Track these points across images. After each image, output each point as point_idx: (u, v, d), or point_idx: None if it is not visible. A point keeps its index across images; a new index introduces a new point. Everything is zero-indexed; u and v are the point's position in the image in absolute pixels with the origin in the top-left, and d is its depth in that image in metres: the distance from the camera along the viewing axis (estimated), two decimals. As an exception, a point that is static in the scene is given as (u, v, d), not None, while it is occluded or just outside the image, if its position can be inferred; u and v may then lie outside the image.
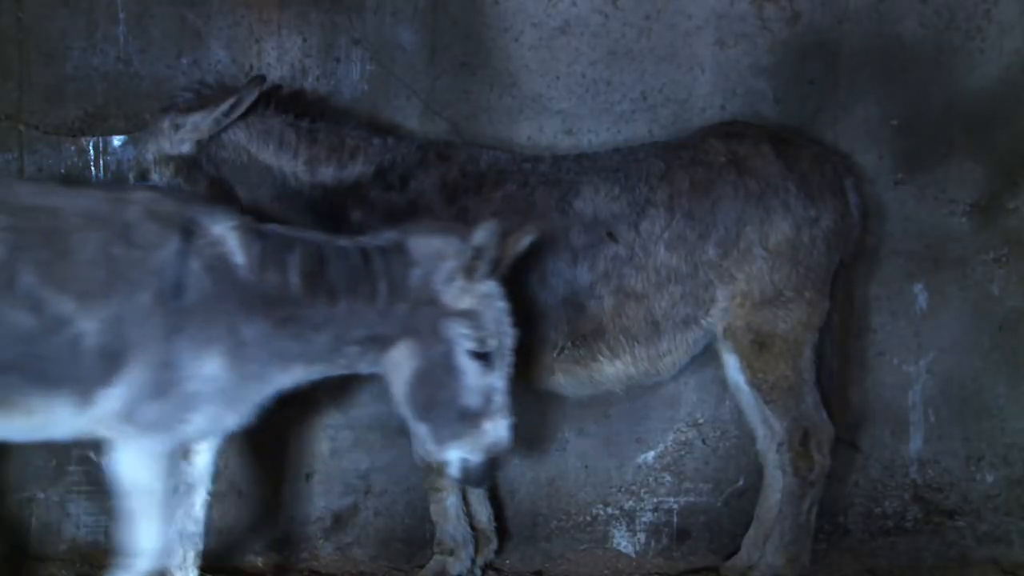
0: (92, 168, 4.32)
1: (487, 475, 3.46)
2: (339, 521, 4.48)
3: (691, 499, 4.47)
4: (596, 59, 4.35)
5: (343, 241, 3.41)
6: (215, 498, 4.41)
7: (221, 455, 3.86)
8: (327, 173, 4.00)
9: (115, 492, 3.33)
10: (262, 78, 3.97)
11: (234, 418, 3.36)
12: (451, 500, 4.15)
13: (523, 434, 4.44)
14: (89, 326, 3.12)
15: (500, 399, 3.36)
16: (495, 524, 4.36)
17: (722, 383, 4.21)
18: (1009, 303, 4.45)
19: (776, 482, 4.10)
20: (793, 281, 3.91)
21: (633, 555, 4.49)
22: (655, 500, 4.48)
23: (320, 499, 4.47)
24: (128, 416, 3.21)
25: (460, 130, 4.34)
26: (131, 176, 3.98)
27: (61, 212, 3.20)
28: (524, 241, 3.52)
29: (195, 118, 3.89)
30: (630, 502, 4.47)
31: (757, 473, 4.25)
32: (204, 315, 3.19)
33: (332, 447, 4.44)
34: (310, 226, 3.96)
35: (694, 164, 3.93)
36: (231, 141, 3.96)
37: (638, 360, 3.95)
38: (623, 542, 4.49)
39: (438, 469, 4.07)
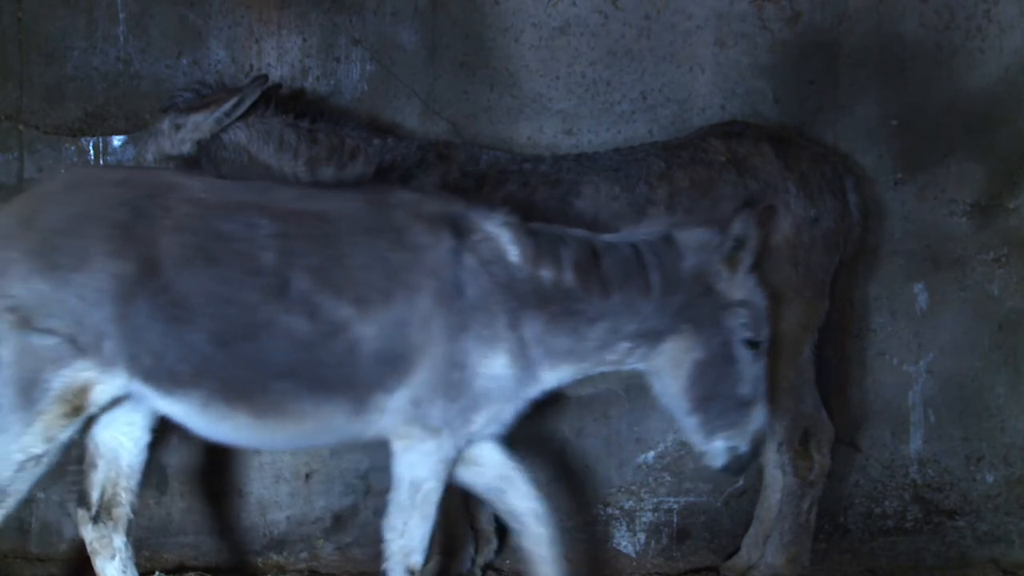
0: (92, 168, 4.33)
1: (750, 463, 3.47)
2: (339, 521, 4.48)
3: (691, 499, 4.47)
4: (596, 59, 4.36)
5: (608, 236, 3.40)
6: (215, 498, 4.43)
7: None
8: (327, 173, 4.00)
9: (393, 486, 3.33)
10: (264, 77, 3.97)
11: (507, 419, 3.33)
12: (451, 501, 4.14)
13: (524, 434, 4.47)
14: (367, 331, 3.10)
15: (763, 386, 3.38)
16: (495, 524, 4.35)
17: (722, 383, 4.21)
18: (1009, 303, 4.45)
19: (776, 482, 4.10)
20: (793, 281, 3.91)
21: (633, 555, 4.49)
22: (655, 500, 4.48)
23: (320, 499, 4.47)
24: (416, 418, 3.20)
25: (460, 130, 4.34)
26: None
27: (327, 217, 3.19)
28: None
29: (196, 118, 3.90)
30: (630, 502, 4.47)
31: (757, 473, 4.24)
32: (486, 313, 3.17)
33: (332, 447, 4.44)
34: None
35: (694, 164, 3.94)
36: (231, 141, 3.96)
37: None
38: (623, 542, 4.49)
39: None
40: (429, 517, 3.31)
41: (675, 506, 4.48)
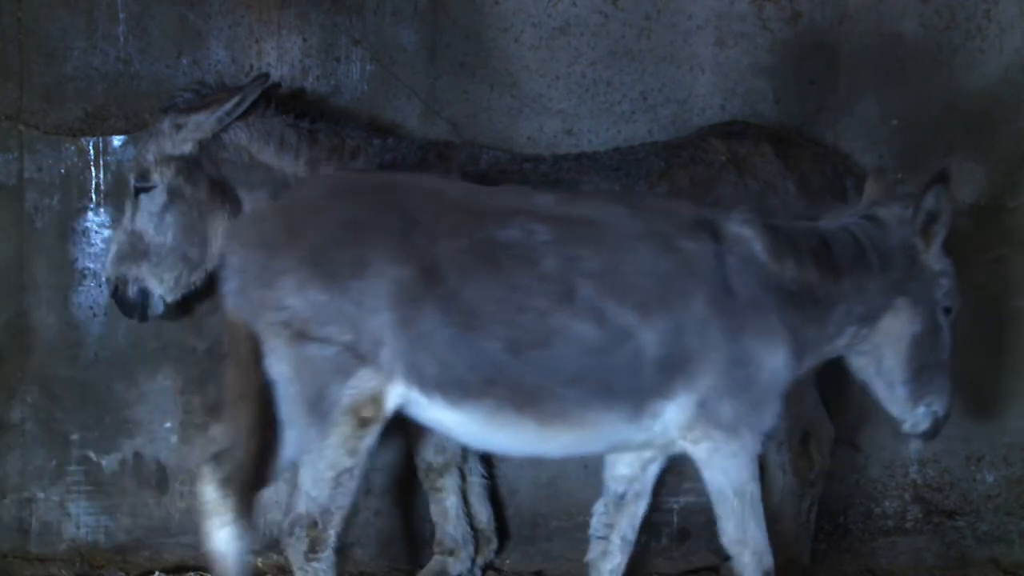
0: (92, 168, 4.33)
1: (943, 426, 3.55)
2: (339, 521, 4.47)
3: (691, 499, 4.47)
4: (596, 59, 4.36)
5: (823, 223, 3.42)
6: (215, 498, 4.43)
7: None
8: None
9: (716, 499, 3.29)
10: (265, 76, 3.97)
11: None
12: (451, 500, 4.14)
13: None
14: (649, 337, 3.09)
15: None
16: (495, 524, 4.35)
17: (722, 383, 4.21)
18: (1009, 303, 4.44)
19: (776, 482, 4.10)
20: (793, 281, 3.90)
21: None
22: (655, 500, 4.46)
23: (320, 499, 4.46)
24: (708, 421, 3.18)
25: (460, 130, 4.34)
26: (132, 177, 3.96)
27: (595, 223, 3.18)
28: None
29: (198, 117, 3.89)
30: (630, 502, 4.47)
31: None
32: (757, 310, 3.18)
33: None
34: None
35: (694, 163, 3.94)
36: (232, 141, 3.96)
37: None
38: (623, 542, 4.48)
39: (439, 469, 4.08)
40: (762, 517, 3.30)
41: (675, 506, 4.48)
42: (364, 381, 3.06)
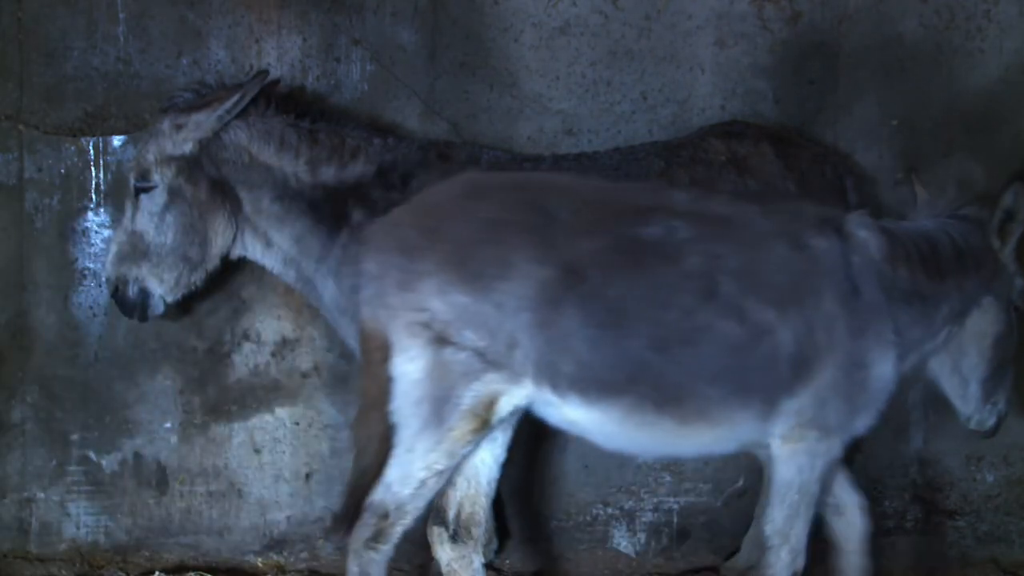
0: (92, 168, 4.33)
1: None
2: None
3: (691, 499, 4.47)
4: (596, 59, 4.36)
5: (921, 223, 3.45)
6: (214, 498, 4.44)
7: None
8: (328, 173, 4.00)
9: (777, 488, 3.29)
10: (265, 72, 3.97)
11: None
12: (451, 500, 4.14)
13: (524, 434, 4.47)
14: (785, 335, 3.09)
15: None
16: (495, 524, 4.35)
17: (722, 383, 4.21)
18: (1007, 302, 4.44)
19: (776, 482, 4.10)
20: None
21: (633, 555, 4.49)
22: (655, 500, 4.48)
23: (320, 499, 4.47)
24: (813, 420, 3.18)
25: (460, 130, 4.34)
26: (132, 177, 3.96)
27: (731, 221, 3.18)
28: None
29: (198, 117, 3.89)
30: (630, 502, 4.47)
31: (757, 473, 4.24)
32: (876, 313, 3.19)
33: (332, 447, 4.45)
34: (310, 227, 3.98)
35: (694, 163, 3.94)
36: (232, 141, 3.95)
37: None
38: (623, 542, 4.49)
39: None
40: (809, 518, 3.31)
41: (675, 506, 4.48)
42: (487, 385, 3.05)
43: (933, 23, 4.36)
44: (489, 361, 3.03)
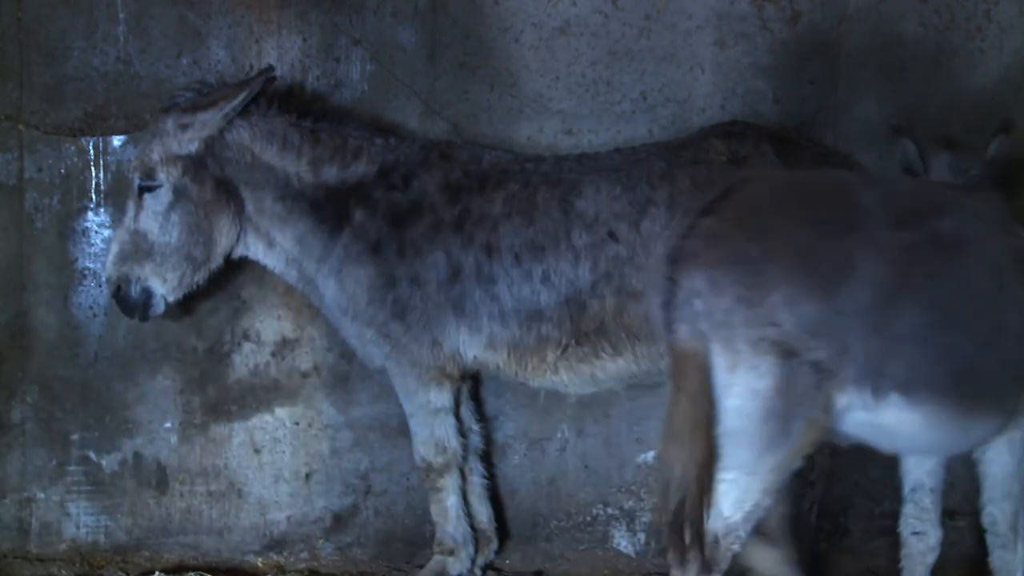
0: (92, 168, 4.33)
1: None
2: (339, 521, 4.48)
3: (691, 499, 4.47)
4: (596, 59, 4.36)
5: None
6: (214, 497, 4.44)
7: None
8: (330, 173, 4.00)
9: (1001, 481, 3.38)
10: (271, 69, 3.98)
11: None
12: (451, 500, 4.14)
13: (524, 433, 4.47)
14: None
15: None
16: (495, 524, 4.35)
17: (722, 383, 4.21)
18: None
19: (776, 482, 4.10)
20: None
21: (633, 555, 4.49)
22: (655, 500, 4.47)
23: (320, 499, 4.47)
24: None
25: (460, 130, 4.34)
26: (136, 176, 3.96)
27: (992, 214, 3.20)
28: None
29: (203, 116, 3.90)
30: (630, 502, 4.47)
31: (757, 473, 4.24)
32: None
33: (332, 447, 4.45)
34: (311, 227, 3.98)
35: (695, 163, 3.93)
36: (235, 141, 3.96)
37: (640, 358, 3.95)
38: (623, 542, 4.49)
39: (439, 469, 4.08)
40: None
41: (675, 506, 4.47)
42: (826, 395, 2.94)
43: (933, 23, 4.36)
44: (826, 370, 2.90)
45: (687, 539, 2.96)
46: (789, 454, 2.97)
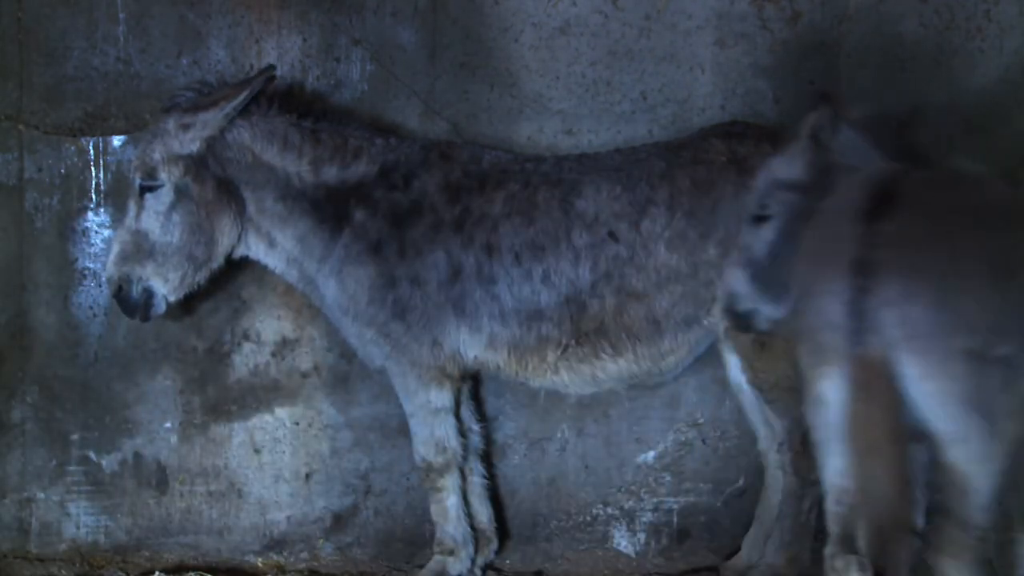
0: (92, 168, 4.33)
1: None
2: (339, 521, 4.48)
3: (691, 499, 4.47)
4: (596, 59, 4.36)
5: None
6: (214, 497, 4.44)
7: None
8: (331, 173, 4.00)
9: None
10: (272, 68, 3.98)
11: None
12: (451, 500, 4.14)
13: (524, 433, 4.47)
14: None
15: None
16: (495, 524, 4.35)
17: (722, 383, 4.21)
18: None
19: (776, 482, 4.10)
20: (795, 280, 3.90)
21: (633, 555, 4.49)
22: (655, 500, 4.48)
23: (320, 499, 4.47)
24: None
25: (460, 130, 4.34)
26: (137, 176, 3.96)
27: None
28: None
29: (205, 115, 3.90)
30: (630, 502, 4.47)
31: (757, 473, 4.25)
32: None
33: (332, 447, 4.45)
34: (312, 227, 3.99)
35: (695, 164, 3.94)
36: (236, 141, 3.96)
37: (640, 358, 3.96)
38: (623, 542, 4.49)
39: (439, 469, 4.08)
40: None
41: (675, 506, 4.48)
42: (1018, 387, 2.89)
43: (933, 23, 4.36)
44: (1016, 365, 2.87)
45: (902, 549, 2.93)
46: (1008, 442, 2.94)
